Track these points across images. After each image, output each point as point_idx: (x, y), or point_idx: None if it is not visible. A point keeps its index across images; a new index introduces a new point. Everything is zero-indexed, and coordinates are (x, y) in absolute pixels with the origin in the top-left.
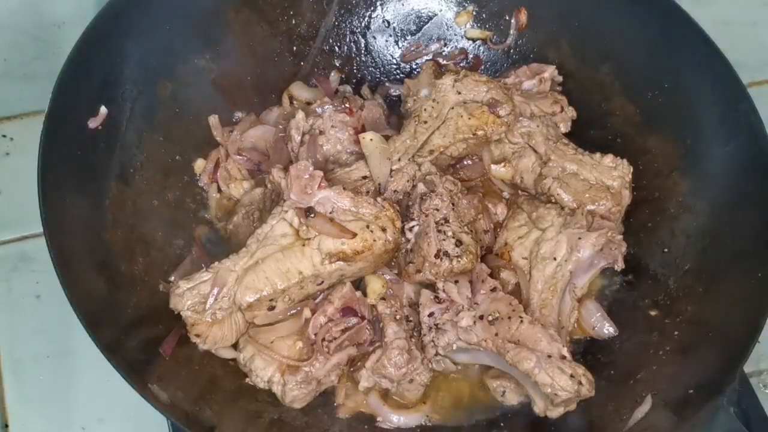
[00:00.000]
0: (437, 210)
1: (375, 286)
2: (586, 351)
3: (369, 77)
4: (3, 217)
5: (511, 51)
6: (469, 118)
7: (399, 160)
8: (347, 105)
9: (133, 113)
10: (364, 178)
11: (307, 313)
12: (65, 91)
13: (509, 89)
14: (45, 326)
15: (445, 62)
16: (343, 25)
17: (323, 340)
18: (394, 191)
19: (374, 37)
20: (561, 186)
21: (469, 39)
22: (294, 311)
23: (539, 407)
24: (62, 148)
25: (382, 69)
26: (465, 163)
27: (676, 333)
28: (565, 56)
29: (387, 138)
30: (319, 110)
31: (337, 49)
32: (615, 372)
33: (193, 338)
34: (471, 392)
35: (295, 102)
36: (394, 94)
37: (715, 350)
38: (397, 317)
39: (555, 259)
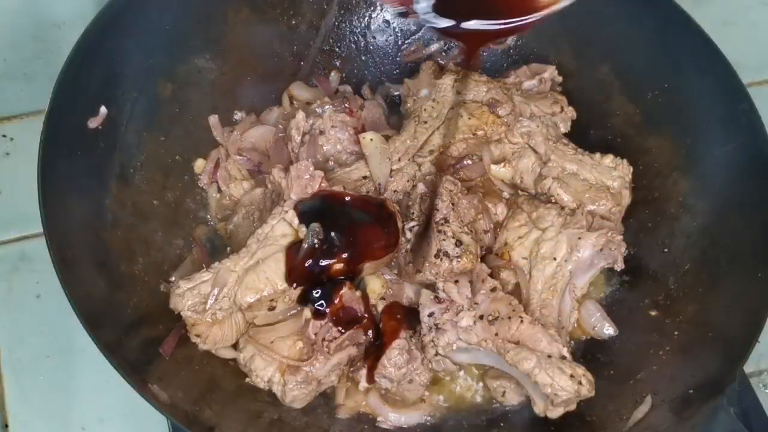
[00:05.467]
0: (437, 210)
1: (375, 286)
2: (586, 351)
3: (369, 77)
4: (3, 217)
5: (511, 51)
6: (469, 118)
7: (399, 160)
8: (347, 105)
9: (133, 113)
10: (364, 178)
11: (307, 313)
12: (65, 91)
13: (509, 89)
14: (45, 326)
15: (445, 62)
16: (343, 25)
17: (323, 340)
18: (394, 191)
19: (374, 37)
20: (561, 186)
21: None
22: (294, 311)
23: (539, 407)
24: (62, 148)
25: (382, 69)
26: (465, 163)
27: (676, 333)
28: (565, 56)
29: (387, 138)
30: (319, 110)
31: (337, 49)
32: (615, 372)
33: (193, 338)
34: (471, 392)
35: (295, 102)
36: (394, 94)
37: (715, 350)
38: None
39: (555, 259)
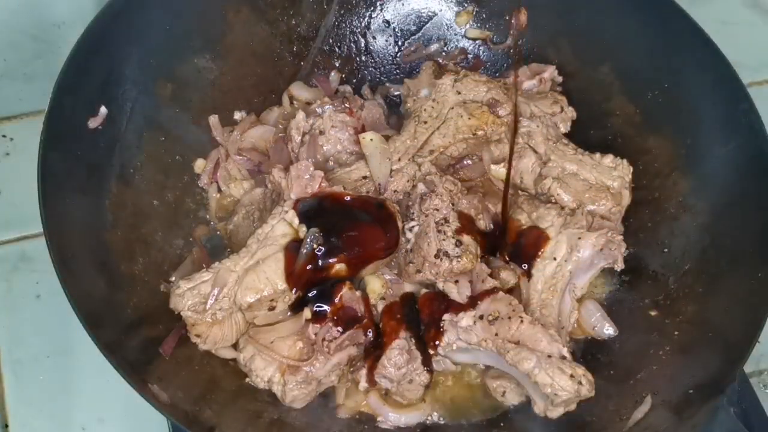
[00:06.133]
0: (437, 210)
1: (375, 286)
2: (586, 351)
3: (369, 77)
4: (3, 217)
5: (511, 51)
6: (469, 118)
7: (399, 160)
8: (347, 105)
9: (133, 113)
10: (364, 178)
11: (307, 313)
12: (65, 91)
13: (509, 89)
14: (45, 326)
15: (445, 62)
16: (343, 25)
17: (323, 340)
18: (394, 191)
19: (374, 37)
20: (561, 186)
21: (469, 39)
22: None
23: (539, 407)
24: (62, 148)
25: (382, 69)
26: (465, 163)
27: (676, 333)
28: (565, 56)
29: (387, 138)
30: (319, 110)
31: (337, 49)
32: (615, 372)
33: (193, 338)
34: (471, 392)
35: (295, 102)
36: (394, 94)
37: (715, 350)
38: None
39: (555, 259)
